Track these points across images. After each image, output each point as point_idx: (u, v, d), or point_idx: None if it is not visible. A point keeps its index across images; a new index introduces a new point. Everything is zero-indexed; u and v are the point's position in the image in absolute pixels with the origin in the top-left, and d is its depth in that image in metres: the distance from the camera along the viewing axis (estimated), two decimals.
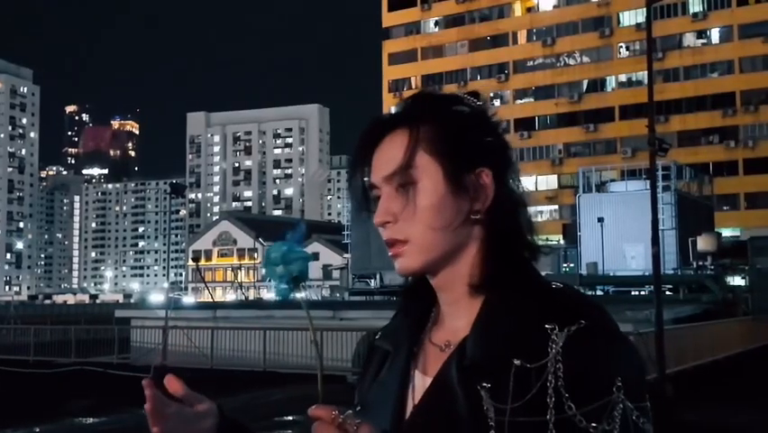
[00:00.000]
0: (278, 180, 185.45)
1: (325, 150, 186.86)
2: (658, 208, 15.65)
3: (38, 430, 12.35)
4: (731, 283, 31.26)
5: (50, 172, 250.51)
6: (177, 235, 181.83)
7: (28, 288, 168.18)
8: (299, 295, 1.21)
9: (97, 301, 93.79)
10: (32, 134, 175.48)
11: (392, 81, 78.99)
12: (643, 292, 28.54)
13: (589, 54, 70.43)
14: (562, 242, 42.04)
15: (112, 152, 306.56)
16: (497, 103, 74.09)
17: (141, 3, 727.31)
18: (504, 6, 74.68)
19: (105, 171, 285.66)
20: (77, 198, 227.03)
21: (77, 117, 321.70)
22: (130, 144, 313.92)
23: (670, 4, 63.76)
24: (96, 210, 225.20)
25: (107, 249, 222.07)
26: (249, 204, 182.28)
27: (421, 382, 1.04)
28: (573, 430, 0.91)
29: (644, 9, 15.93)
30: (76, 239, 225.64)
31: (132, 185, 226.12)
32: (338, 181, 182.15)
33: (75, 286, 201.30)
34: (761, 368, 17.39)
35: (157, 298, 64.94)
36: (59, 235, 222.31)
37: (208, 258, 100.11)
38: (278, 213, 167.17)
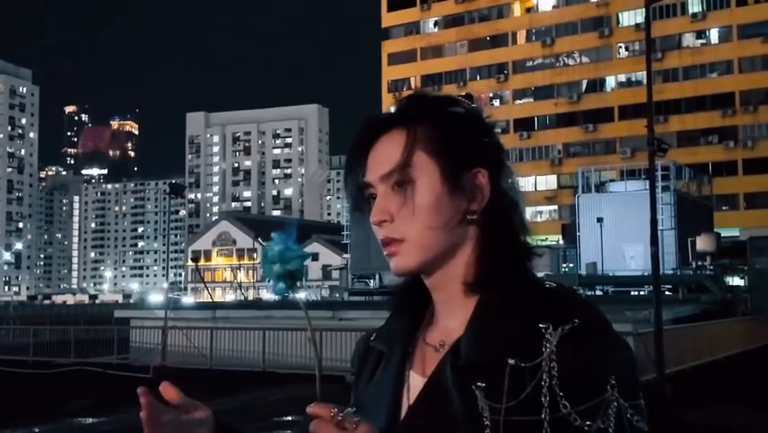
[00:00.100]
0: (277, 181, 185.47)
1: (325, 150, 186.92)
2: (657, 208, 15.66)
3: (37, 430, 12.35)
4: (730, 283, 31.29)
5: (50, 172, 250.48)
6: (176, 236, 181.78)
7: (27, 288, 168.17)
8: (298, 296, 1.21)
9: (97, 302, 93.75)
10: (31, 135, 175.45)
11: (392, 81, 79.01)
12: (642, 292, 28.56)
13: (589, 54, 70.46)
14: (561, 242, 42.06)
15: (111, 153, 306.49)
16: (496, 103, 74.17)
17: (141, 3, 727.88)
18: (503, 6, 74.71)
19: (105, 172, 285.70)
20: (76, 198, 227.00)
21: (76, 117, 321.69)
22: (129, 144, 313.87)
23: (669, 4, 63.81)
24: (96, 210, 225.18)
25: (107, 249, 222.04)
26: (248, 204, 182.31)
27: (416, 383, 1.04)
28: (568, 429, 0.91)
29: (644, 9, 15.94)
30: (75, 239, 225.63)
31: (132, 185, 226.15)
32: (337, 182, 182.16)
33: (74, 286, 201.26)
34: (760, 368, 17.40)
35: (156, 298, 64.90)
36: (59, 236, 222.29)
37: (208, 258, 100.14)
38: (277, 213, 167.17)
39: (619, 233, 30.74)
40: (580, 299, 1.00)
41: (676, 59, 66.21)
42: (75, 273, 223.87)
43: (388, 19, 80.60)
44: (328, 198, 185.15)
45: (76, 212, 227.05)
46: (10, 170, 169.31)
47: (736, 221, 57.42)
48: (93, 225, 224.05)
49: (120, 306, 58.14)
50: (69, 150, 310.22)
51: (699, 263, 30.27)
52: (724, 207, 57.71)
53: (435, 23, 78.36)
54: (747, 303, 26.19)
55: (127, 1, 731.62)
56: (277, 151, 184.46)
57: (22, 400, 15.03)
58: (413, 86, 75.54)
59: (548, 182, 70.39)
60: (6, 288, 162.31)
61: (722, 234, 33.67)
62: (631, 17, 67.29)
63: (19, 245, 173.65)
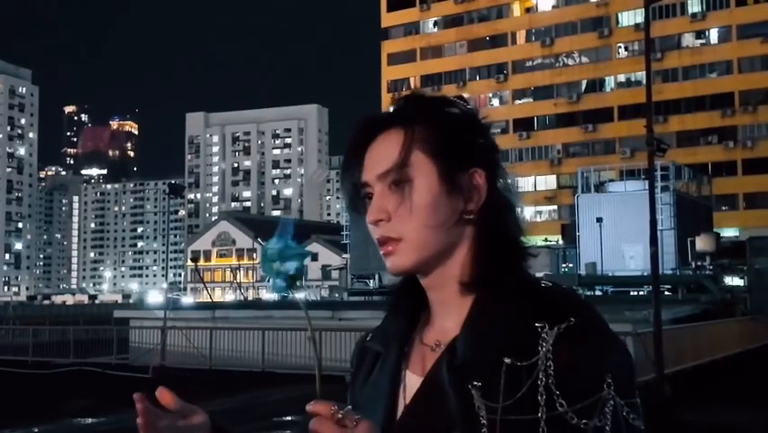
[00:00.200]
0: (276, 181, 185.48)
1: (324, 150, 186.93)
2: (657, 209, 15.67)
3: (36, 431, 12.35)
4: (729, 283, 31.31)
5: (49, 173, 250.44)
6: (175, 236, 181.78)
7: (27, 288, 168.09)
8: (298, 296, 1.22)
9: (96, 302, 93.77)
10: (30, 135, 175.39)
11: (391, 81, 79.02)
12: (641, 292, 28.57)
13: (588, 54, 70.48)
14: (560, 242, 42.08)
15: (111, 153, 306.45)
16: (495, 103, 74.20)
17: (141, 3, 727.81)
18: (503, 7, 74.72)
19: (104, 172, 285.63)
20: (75, 198, 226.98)
21: (75, 118, 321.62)
22: (129, 145, 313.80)
23: (668, 4, 63.84)
24: (95, 210, 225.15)
25: (106, 249, 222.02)
26: (248, 204, 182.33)
27: (412, 383, 1.04)
28: (565, 427, 0.92)
29: (643, 9, 15.95)
30: (75, 239, 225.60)
31: (131, 185, 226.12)
32: (337, 182, 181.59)
33: (74, 286, 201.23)
34: (759, 368, 17.41)
35: (155, 298, 64.94)
36: (58, 236, 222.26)
37: (207, 258, 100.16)
38: (277, 213, 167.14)
39: (619, 233, 30.76)
40: (576, 299, 1.00)
41: (676, 60, 66.23)
42: (74, 273, 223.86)
43: (388, 19, 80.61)
44: (328, 198, 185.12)
45: (75, 212, 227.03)
46: (9, 170, 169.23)
47: (735, 221, 57.47)
48: (92, 225, 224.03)
49: (119, 306, 58.17)
50: (69, 150, 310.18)
51: (699, 263, 30.30)
52: (723, 208, 57.74)
53: (435, 24, 78.37)
54: (746, 303, 26.21)
55: (127, 1, 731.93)
56: (276, 151, 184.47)
57: (21, 401, 15.03)
58: (412, 86, 75.53)
59: (548, 182, 70.41)
60: (6, 288, 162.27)
61: (721, 235, 33.73)
62: (630, 17, 67.32)
63: (18, 245, 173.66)
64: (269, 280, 1.16)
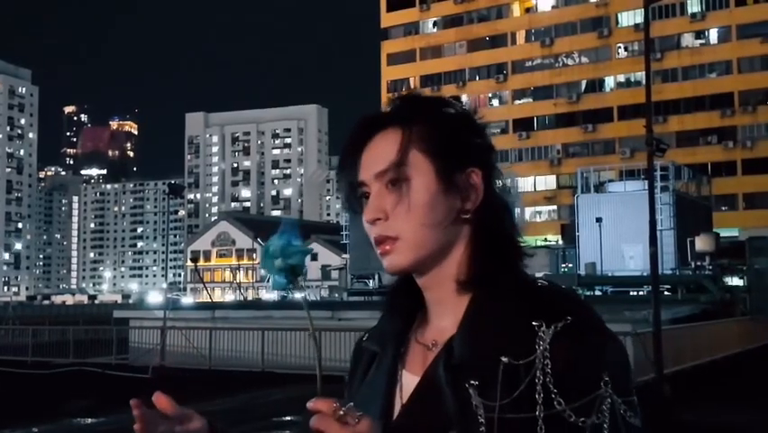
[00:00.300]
0: (276, 181, 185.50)
1: (324, 150, 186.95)
2: (656, 209, 15.67)
3: (36, 431, 12.35)
4: (729, 283, 31.29)
5: (49, 173, 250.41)
6: (175, 236, 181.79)
7: (26, 288, 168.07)
8: (299, 295, 1.22)
9: (96, 302, 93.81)
10: (30, 135, 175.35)
11: (391, 81, 79.01)
12: (641, 292, 28.57)
13: (588, 54, 70.49)
14: (560, 242, 42.10)
15: (110, 153, 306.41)
16: (495, 103, 74.20)
17: (142, 3, 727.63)
18: (502, 7, 74.72)
19: (104, 172, 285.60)
20: (75, 198, 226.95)
21: (75, 118, 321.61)
22: (128, 145, 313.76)
23: (668, 4, 63.84)
24: (95, 211, 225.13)
25: (106, 249, 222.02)
26: (247, 204, 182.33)
27: (409, 382, 1.04)
28: (563, 425, 0.92)
29: (643, 9, 15.95)
30: (74, 240, 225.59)
31: (131, 185, 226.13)
32: (337, 182, 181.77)
33: (73, 286, 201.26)
34: (759, 368, 17.41)
35: (155, 298, 64.96)
36: (58, 236, 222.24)
37: (207, 258, 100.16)
38: (276, 213, 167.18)
39: (618, 233, 30.76)
40: (572, 297, 1.01)
41: (675, 60, 66.24)
42: (74, 274, 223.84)
43: (388, 19, 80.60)
44: (327, 198, 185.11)
45: (75, 212, 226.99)
46: (9, 170, 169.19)
47: (734, 221, 57.45)
48: (92, 225, 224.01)
49: (119, 306, 58.16)
50: (69, 150, 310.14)
51: (698, 263, 30.30)
52: (723, 208, 57.74)
53: (435, 24, 78.37)
54: (746, 303, 26.23)
55: (127, 1, 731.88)
56: (276, 151, 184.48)
57: (21, 401, 15.03)
58: (412, 86, 75.53)
59: (547, 182, 70.41)
60: (5, 288, 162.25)
61: (721, 235, 33.68)
62: (630, 17, 67.32)
63: (18, 246, 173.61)
64: (268, 281, 1.17)
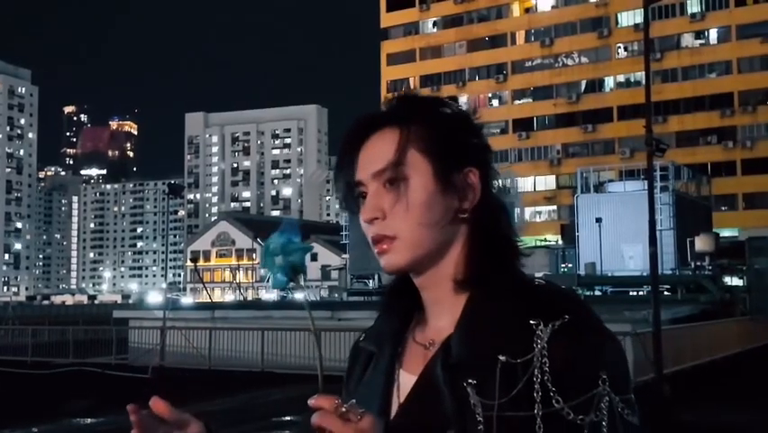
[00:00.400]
0: (276, 181, 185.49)
1: (324, 150, 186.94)
2: (656, 209, 15.68)
3: (36, 431, 12.35)
4: (729, 284, 31.28)
5: (49, 173, 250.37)
6: (175, 236, 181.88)
7: (26, 288, 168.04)
8: (299, 295, 1.22)
9: (95, 302, 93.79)
10: (30, 135, 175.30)
11: (391, 82, 79.00)
12: (641, 293, 28.57)
13: (588, 55, 70.49)
14: (560, 242, 42.09)
15: (110, 153, 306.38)
16: (495, 103, 74.20)
17: (141, 3, 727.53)
18: (502, 7, 74.72)
19: (104, 172, 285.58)
20: (75, 198, 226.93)
21: (75, 118, 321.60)
22: (128, 145, 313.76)
23: (668, 4, 63.84)
24: (95, 211, 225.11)
25: (105, 250, 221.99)
26: (247, 204, 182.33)
27: (406, 382, 1.05)
28: (561, 423, 0.92)
29: (642, 10, 15.95)
30: (74, 240, 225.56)
31: (131, 185, 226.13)
32: (334, 181, 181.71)
33: (73, 287, 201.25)
34: (759, 368, 17.42)
35: (155, 298, 64.93)
36: (58, 236, 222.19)
37: (207, 258, 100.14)
38: (276, 213, 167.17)
39: (618, 233, 30.75)
40: (570, 296, 1.01)
41: (675, 60, 66.24)
42: (74, 274, 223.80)
43: (387, 19, 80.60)
44: (327, 198, 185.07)
45: (75, 212, 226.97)
46: (9, 170, 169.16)
47: (734, 221, 57.46)
48: (92, 225, 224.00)
49: (119, 306, 58.14)
50: (68, 150, 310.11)
51: (698, 264, 30.28)
52: (723, 208, 57.75)
53: (434, 24, 78.37)
54: (746, 303, 26.23)
55: (127, 1, 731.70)
56: (276, 151, 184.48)
57: (20, 401, 15.02)
58: (412, 86, 75.51)
59: (547, 182, 70.41)
60: (5, 288, 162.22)
61: (721, 235, 33.70)
62: (630, 17, 67.33)
63: (18, 246, 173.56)
64: (268, 281, 1.17)
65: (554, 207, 68.31)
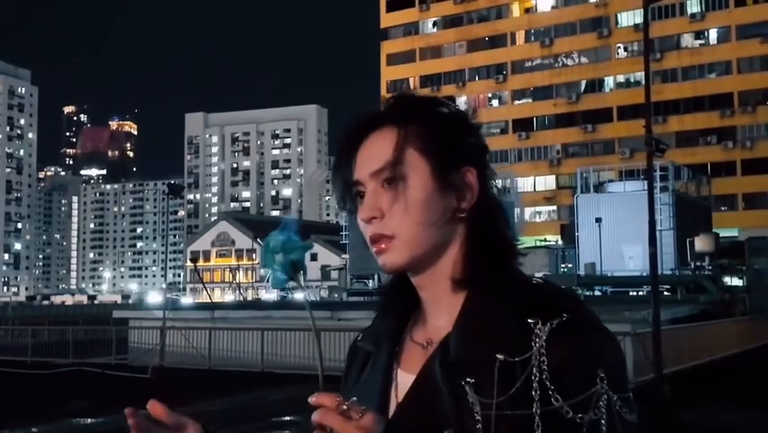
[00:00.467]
0: (276, 181, 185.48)
1: (324, 150, 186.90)
2: (656, 209, 15.68)
3: (36, 431, 12.35)
4: (729, 284, 31.28)
5: (48, 173, 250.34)
6: (175, 236, 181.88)
7: (26, 289, 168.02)
8: (300, 295, 1.23)
9: (95, 302, 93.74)
10: (30, 135, 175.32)
11: (390, 82, 79.01)
12: (641, 293, 28.56)
13: (588, 55, 70.49)
14: (560, 242, 42.09)
15: (110, 153, 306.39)
16: (495, 103, 74.20)
17: (141, 3, 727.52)
18: (502, 7, 74.73)
19: (104, 172, 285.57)
20: (75, 198, 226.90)
21: (75, 118, 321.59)
22: (128, 145, 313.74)
23: (668, 4, 63.83)
24: (95, 211, 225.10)
25: (105, 250, 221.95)
26: (247, 204, 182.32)
27: (404, 381, 1.05)
28: (560, 422, 0.93)
29: (642, 10, 15.95)
30: (74, 240, 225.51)
31: (131, 186, 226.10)
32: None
33: (73, 287, 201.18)
34: (758, 368, 17.42)
35: (155, 298, 64.92)
36: (58, 236, 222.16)
37: (207, 259, 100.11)
38: (276, 213, 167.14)
39: (618, 233, 30.75)
40: (567, 295, 1.01)
41: (675, 60, 66.25)
42: (73, 274, 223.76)
43: (387, 19, 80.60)
44: (327, 198, 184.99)
45: (74, 212, 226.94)
46: (9, 170, 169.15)
47: (734, 221, 57.45)
48: (92, 225, 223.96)
49: (118, 306, 58.12)
50: (68, 150, 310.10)
51: (698, 264, 30.28)
52: (722, 208, 57.75)
53: (434, 24, 78.37)
54: (746, 303, 26.23)
55: (127, 1, 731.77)
56: (276, 151, 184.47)
57: (20, 401, 15.03)
58: (412, 86, 75.51)
59: (547, 183, 70.41)
60: (5, 288, 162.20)
61: (720, 235, 33.67)
62: (630, 18, 67.33)
63: (18, 246, 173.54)
64: (268, 280, 1.17)
65: (554, 208, 68.31)
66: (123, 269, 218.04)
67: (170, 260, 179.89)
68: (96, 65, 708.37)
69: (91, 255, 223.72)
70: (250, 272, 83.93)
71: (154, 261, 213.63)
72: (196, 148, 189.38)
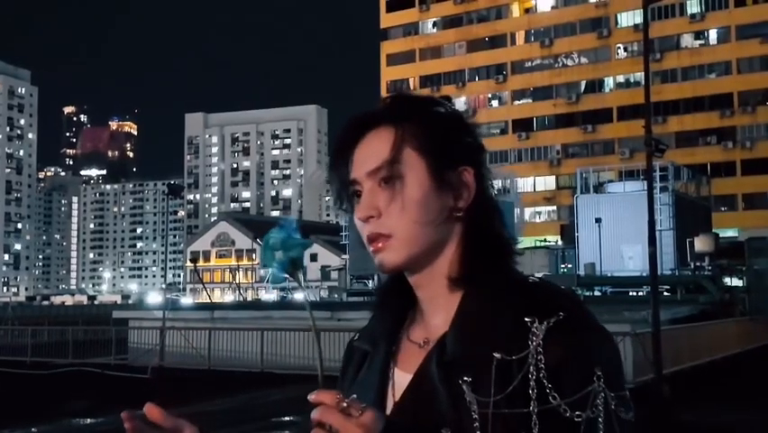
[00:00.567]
0: (276, 181, 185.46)
1: (324, 151, 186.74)
2: (655, 209, 15.68)
3: (35, 431, 12.35)
4: (728, 284, 31.30)
5: (48, 173, 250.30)
6: (175, 236, 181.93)
7: (26, 289, 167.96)
8: (300, 295, 1.23)
9: (95, 302, 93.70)
10: (29, 135, 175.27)
11: (390, 82, 79.01)
12: (640, 293, 28.57)
13: (587, 55, 70.50)
14: (559, 242, 42.10)
15: (110, 153, 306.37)
16: (495, 104, 74.21)
17: (141, 3, 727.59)
18: (502, 7, 74.73)
19: (104, 172, 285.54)
20: (75, 198, 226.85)
21: (75, 118, 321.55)
22: (128, 145, 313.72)
23: (667, 5, 63.83)
24: (95, 211, 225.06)
25: (105, 250, 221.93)
26: (247, 205, 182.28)
27: (401, 380, 1.05)
28: (557, 420, 0.93)
29: (642, 10, 15.95)
30: (74, 240, 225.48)
31: (131, 186, 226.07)
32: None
33: (73, 287, 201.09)
34: (758, 368, 17.42)
35: (155, 299, 64.91)
36: (57, 237, 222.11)
37: (206, 259, 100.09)
38: (276, 214, 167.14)
39: (618, 233, 30.77)
40: (564, 294, 1.01)
41: (675, 60, 66.25)
42: (73, 274, 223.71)
43: (387, 20, 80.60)
44: (327, 198, 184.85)
45: (74, 213, 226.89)
46: (8, 170, 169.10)
47: (734, 222, 57.46)
48: (91, 225, 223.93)
49: (118, 306, 58.14)
50: (68, 150, 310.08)
51: (698, 264, 30.29)
52: (722, 208, 57.77)
53: (434, 24, 78.38)
54: (745, 303, 26.24)
55: (127, 1, 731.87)
56: (276, 151, 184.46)
57: (20, 401, 15.03)
58: (412, 86, 75.52)
59: (547, 183, 70.40)
60: (5, 288, 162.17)
61: (720, 235, 33.69)
62: (630, 18, 67.34)
63: (18, 246, 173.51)
64: (268, 281, 1.17)
65: (554, 208, 68.30)
66: (122, 269, 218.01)
67: (170, 260, 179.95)
68: (95, 65, 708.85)
69: (91, 255, 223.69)
70: (249, 273, 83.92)
71: (154, 261, 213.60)
72: (196, 148, 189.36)
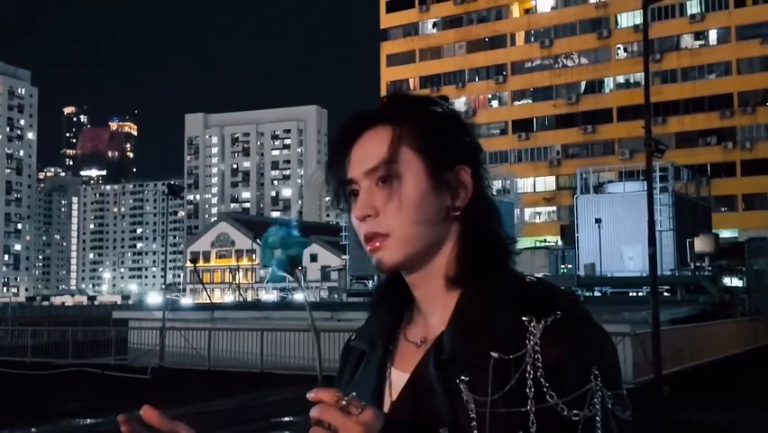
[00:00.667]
0: (276, 182, 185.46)
1: (324, 151, 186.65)
2: (655, 209, 15.68)
3: (35, 431, 12.35)
4: (728, 284, 31.32)
5: (48, 174, 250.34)
6: (175, 237, 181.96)
7: (26, 289, 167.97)
8: (300, 296, 1.23)
9: (95, 303, 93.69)
10: (29, 136, 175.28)
11: (390, 82, 79.02)
12: (640, 293, 28.58)
13: (587, 55, 70.50)
14: (559, 243, 42.12)
15: (110, 154, 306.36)
16: (495, 104, 74.21)
17: (141, 3, 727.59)
18: (502, 8, 74.74)
19: (104, 173, 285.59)
20: (75, 199, 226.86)
21: (75, 118, 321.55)
22: (128, 146, 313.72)
23: (667, 5, 63.85)
24: (94, 212, 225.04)
25: (105, 250, 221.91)
26: (247, 205, 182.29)
27: (398, 380, 1.05)
28: (554, 418, 0.93)
29: (642, 10, 15.96)
30: (74, 240, 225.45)
31: (131, 186, 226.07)
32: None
33: (73, 287, 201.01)
34: (758, 369, 17.42)
35: (154, 299, 64.91)
36: (57, 237, 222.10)
37: (206, 259, 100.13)
38: (276, 214, 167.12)
39: (618, 234, 30.78)
40: (561, 293, 1.01)
41: (674, 61, 66.26)
42: (73, 274, 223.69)
43: (387, 20, 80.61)
44: (327, 198, 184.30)
45: (74, 213, 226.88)
46: (8, 171, 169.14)
47: (734, 222, 57.48)
48: (91, 226, 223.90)
49: (118, 307, 58.15)
50: (68, 151, 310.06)
51: (698, 264, 30.31)
52: (722, 209, 57.78)
53: (434, 24, 78.38)
54: (745, 304, 26.24)
55: (127, 2, 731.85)
56: (276, 152, 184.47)
57: (20, 401, 15.02)
58: (412, 87, 75.52)
59: (547, 183, 70.40)
60: (5, 289, 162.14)
61: (720, 235, 33.71)
62: (630, 18, 67.35)
63: (17, 247, 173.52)
64: (267, 282, 1.17)
65: (554, 208, 68.30)
66: (122, 269, 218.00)
67: (170, 260, 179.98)
68: (96, 65, 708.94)
69: (91, 256, 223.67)
70: (249, 273, 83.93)
71: (154, 261, 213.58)
72: (196, 149, 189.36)
